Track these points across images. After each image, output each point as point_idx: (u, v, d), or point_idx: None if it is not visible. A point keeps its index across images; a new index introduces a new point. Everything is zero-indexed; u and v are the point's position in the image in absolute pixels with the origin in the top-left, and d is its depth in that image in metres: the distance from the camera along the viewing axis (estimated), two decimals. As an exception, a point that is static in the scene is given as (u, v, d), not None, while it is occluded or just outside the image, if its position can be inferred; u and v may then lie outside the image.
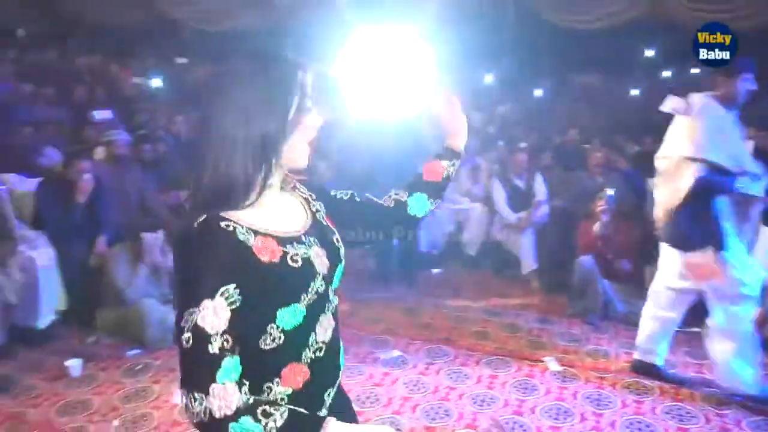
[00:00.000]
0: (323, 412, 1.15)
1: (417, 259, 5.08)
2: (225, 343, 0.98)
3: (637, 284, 4.13)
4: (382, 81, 4.56)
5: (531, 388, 3.16)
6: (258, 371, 1.07)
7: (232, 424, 0.96)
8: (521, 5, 7.93)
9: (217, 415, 0.95)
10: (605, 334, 3.89)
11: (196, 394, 0.96)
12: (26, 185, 4.19)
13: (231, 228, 1.02)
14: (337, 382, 1.20)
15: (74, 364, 3.27)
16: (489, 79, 8.48)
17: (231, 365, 0.98)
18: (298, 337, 1.10)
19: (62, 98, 6.25)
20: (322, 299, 1.12)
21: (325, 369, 1.15)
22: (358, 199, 1.35)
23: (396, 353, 3.59)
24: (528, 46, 8.20)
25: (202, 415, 0.95)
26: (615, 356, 3.56)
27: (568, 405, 2.99)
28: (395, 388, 3.17)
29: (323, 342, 1.14)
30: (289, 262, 1.07)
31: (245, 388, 1.00)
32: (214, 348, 0.97)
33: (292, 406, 1.02)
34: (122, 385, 3.19)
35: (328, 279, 1.14)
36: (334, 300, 1.18)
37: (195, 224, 1.02)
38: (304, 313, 1.09)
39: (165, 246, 3.84)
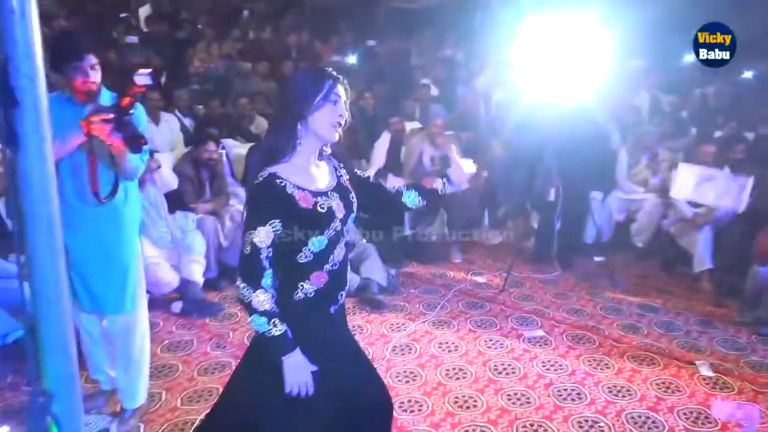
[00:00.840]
0: (335, 308, 1.78)
1: (578, 244, 5.06)
2: (268, 254, 1.62)
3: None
4: (557, 65, 4.62)
5: (674, 389, 3.13)
6: (295, 275, 1.69)
7: (254, 316, 1.61)
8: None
9: (253, 306, 1.61)
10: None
11: (247, 286, 1.61)
12: (240, 149, 5.04)
13: (282, 184, 1.63)
14: (346, 288, 1.81)
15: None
16: (690, 58, 7.74)
17: (270, 276, 1.63)
18: (322, 256, 1.70)
19: (274, 72, 7.16)
20: (338, 234, 1.72)
21: (338, 278, 1.76)
22: (371, 180, 1.95)
23: (540, 332, 3.74)
24: (741, 20, 7.31)
25: (245, 300, 1.62)
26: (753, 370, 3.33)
27: (710, 411, 2.92)
28: (533, 365, 3.35)
29: (338, 261, 1.74)
30: (318, 208, 1.67)
31: (274, 291, 1.65)
32: (262, 256, 1.61)
33: (286, 327, 1.64)
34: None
35: (343, 221, 1.73)
36: (346, 235, 1.77)
37: (260, 178, 1.63)
38: (326, 242, 1.69)
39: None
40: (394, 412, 1.98)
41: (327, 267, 1.71)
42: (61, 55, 2.31)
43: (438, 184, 2.01)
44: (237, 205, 4.49)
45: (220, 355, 3.42)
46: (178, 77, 6.68)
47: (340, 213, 1.71)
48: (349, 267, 1.83)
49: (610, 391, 3.09)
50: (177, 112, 5.55)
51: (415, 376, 3.21)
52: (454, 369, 3.29)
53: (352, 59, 8.21)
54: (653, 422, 2.84)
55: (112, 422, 2.67)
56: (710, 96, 7.00)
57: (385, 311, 4.01)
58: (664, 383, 3.18)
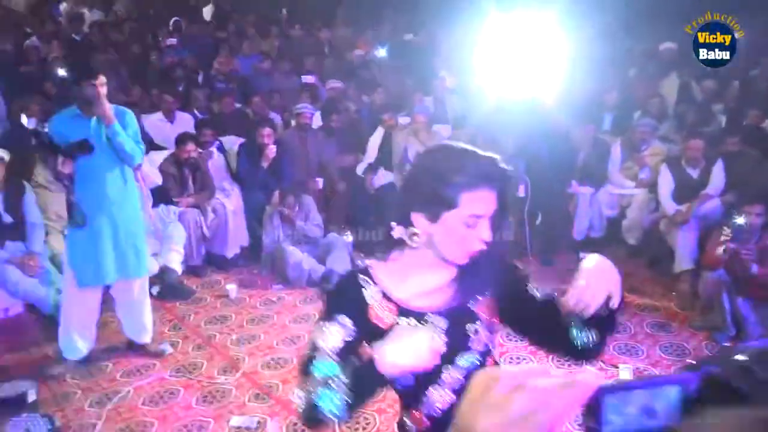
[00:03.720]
0: None
1: (560, 241, 5.01)
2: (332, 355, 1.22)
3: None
4: (520, 61, 4.66)
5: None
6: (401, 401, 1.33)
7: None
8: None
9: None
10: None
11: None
12: (235, 146, 5.45)
13: (364, 284, 1.26)
14: None
15: (231, 288, 4.36)
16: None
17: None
18: (411, 394, 1.28)
19: (299, 70, 7.49)
20: (430, 375, 1.19)
21: (444, 426, 1.22)
22: (546, 300, 1.29)
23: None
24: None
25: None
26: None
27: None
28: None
29: (439, 408, 1.26)
30: (384, 326, 1.19)
31: None
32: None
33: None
34: (257, 311, 4.16)
35: (443, 359, 1.16)
36: (459, 379, 1.25)
37: (347, 273, 1.34)
38: (411, 380, 1.23)
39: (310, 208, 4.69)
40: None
41: (422, 410, 1.28)
42: (76, 75, 2.94)
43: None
44: (222, 198, 4.91)
45: (173, 335, 3.84)
46: (207, 77, 7.21)
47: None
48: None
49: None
50: (195, 111, 6.07)
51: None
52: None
53: (381, 52, 8.36)
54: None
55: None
56: (754, 82, 6.50)
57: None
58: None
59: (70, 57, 7.09)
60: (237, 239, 4.96)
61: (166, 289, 4.33)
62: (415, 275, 1.26)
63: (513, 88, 4.50)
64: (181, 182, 4.67)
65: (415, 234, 1.20)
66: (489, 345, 1.29)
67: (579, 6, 5.54)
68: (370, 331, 1.21)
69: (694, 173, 4.63)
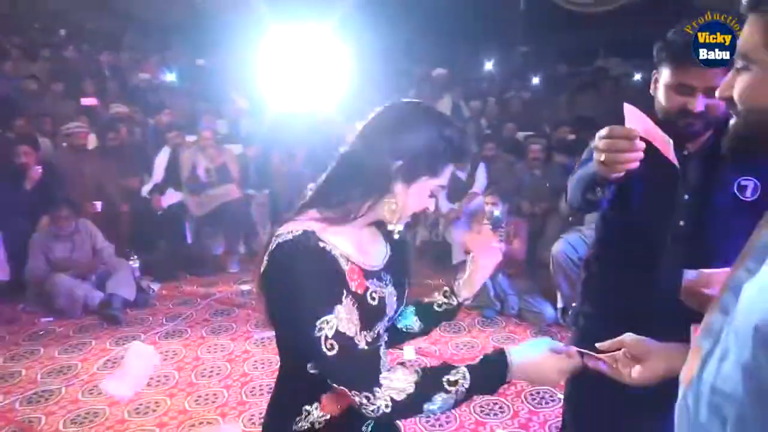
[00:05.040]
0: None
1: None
2: (367, 338, 1.07)
3: (534, 281, 4.09)
4: (303, 74, 4.74)
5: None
6: (300, 392, 1.15)
7: (426, 404, 1.03)
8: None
9: (399, 399, 1.02)
10: (492, 328, 3.88)
11: (368, 393, 1.01)
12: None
13: (328, 248, 1.06)
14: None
15: (-15, 326, 3.78)
16: (489, 66, 8.31)
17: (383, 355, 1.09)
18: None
19: (74, 92, 6.91)
20: (378, 338, 1.15)
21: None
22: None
23: (271, 332, 3.81)
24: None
25: (384, 408, 1.01)
26: (481, 348, 3.57)
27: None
28: (244, 365, 3.39)
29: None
30: (368, 297, 1.10)
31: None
32: (362, 345, 1.04)
33: (470, 364, 1.07)
34: (18, 348, 3.66)
35: (390, 320, 1.16)
36: (386, 337, 1.21)
37: (291, 235, 1.05)
38: (379, 340, 1.14)
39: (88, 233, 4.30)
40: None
41: None
42: None
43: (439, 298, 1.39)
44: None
45: None
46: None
47: (391, 309, 1.15)
48: None
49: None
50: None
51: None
52: (157, 376, 3.27)
53: (170, 76, 8.10)
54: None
55: None
56: (509, 102, 7.51)
57: (122, 326, 3.93)
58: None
59: None
60: (-5, 273, 4.33)
61: None
62: (363, 235, 1.17)
63: (299, 104, 4.64)
64: None
65: (394, 203, 1.12)
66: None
67: (358, 30, 5.97)
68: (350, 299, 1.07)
69: (462, 175, 5.17)
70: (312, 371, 1.11)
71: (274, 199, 5.51)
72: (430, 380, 1.04)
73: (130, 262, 4.51)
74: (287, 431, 1.15)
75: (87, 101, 6.34)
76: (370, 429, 1.21)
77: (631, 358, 1.10)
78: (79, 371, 3.34)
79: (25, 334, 3.83)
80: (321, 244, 1.05)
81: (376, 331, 1.12)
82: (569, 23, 7.94)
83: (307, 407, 1.14)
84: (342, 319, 1.01)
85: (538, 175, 4.90)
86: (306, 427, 1.14)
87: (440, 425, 2.79)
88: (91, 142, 5.40)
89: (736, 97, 0.82)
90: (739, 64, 0.81)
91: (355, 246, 1.12)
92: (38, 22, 9.95)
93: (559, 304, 3.89)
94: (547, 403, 2.95)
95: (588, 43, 8.20)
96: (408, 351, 3.52)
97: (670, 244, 1.54)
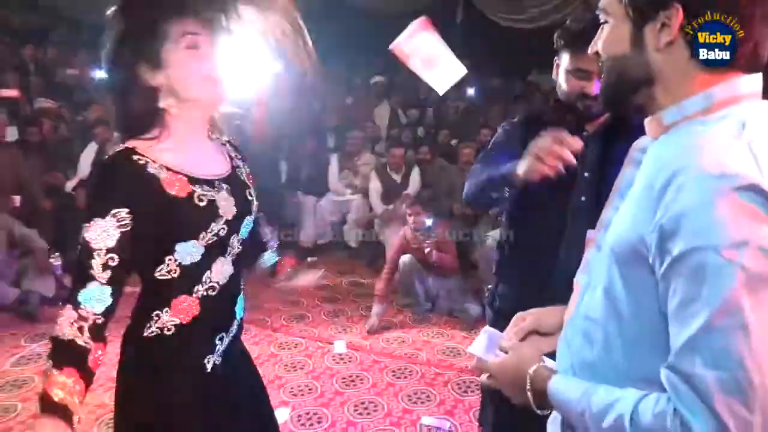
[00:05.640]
0: (214, 358, 1.24)
1: (287, 246, 5.20)
2: (110, 261, 1.09)
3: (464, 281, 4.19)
4: (230, 72, 4.71)
5: (299, 366, 3.27)
6: (150, 298, 1.18)
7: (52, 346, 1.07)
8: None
9: (54, 333, 1.07)
10: (423, 325, 3.93)
11: (66, 301, 1.09)
12: None
13: (142, 162, 1.13)
14: (231, 329, 1.28)
15: None
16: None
17: (101, 293, 1.09)
18: (193, 271, 1.18)
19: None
20: (222, 242, 1.21)
21: (217, 311, 1.24)
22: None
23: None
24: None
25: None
26: (411, 343, 3.62)
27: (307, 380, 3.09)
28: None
29: (217, 282, 1.22)
30: (195, 200, 1.16)
31: (102, 317, 1.10)
32: (96, 263, 1.08)
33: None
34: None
35: (232, 226, 1.22)
36: (238, 248, 1.26)
37: (109, 154, 1.15)
38: (203, 252, 1.18)
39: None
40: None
41: (199, 290, 1.20)
42: None
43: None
44: None
45: None
46: None
47: (227, 212, 1.21)
48: (241, 302, 1.32)
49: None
50: None
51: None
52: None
53: (100, 74, 7.83)
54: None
55: None
56: (446, 111, 7.70)
57: (40, 323, 3.75)
58: (297, 362, 3.31)
59: None
60: None
61: None
62: (187, 145, 1.22)
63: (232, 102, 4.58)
64: None
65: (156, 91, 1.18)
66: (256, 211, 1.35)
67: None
68: (160, 205, 1.13)
69: (398, 177, 5.27)
70: (160, 277, 1.17)
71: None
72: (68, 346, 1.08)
73: (51, 260, 4.32)
74: (138, 337, 1.19)
75: (6, 92, 6.05)
76: (225, 344, 1.27)
77: (542, 335, 1.13)
78: (-9, 367, 3.16)
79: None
80: (135, 157, 1.13)
81: (214, 232, 1.18)
82: (505, 39, 8.24)
83: (158, 311, 1.17)
84: (94, 230, 1.08)
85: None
86: (155, 333, 1.17)
87: (368, 413, 2.82)
88: (10, 135, 5.14)
89: (600, 50, 0.91)
90: (601, 19, 0.90)
91: (184, 158, 1.19)
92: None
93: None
94: (473, 391, 3.03)
95: (521, 59, 8.54)
96: (339, 345, 3.54)
97: (572, 219, 1.64)
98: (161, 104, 1.18)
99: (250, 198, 1.31)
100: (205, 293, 1.20)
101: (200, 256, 1.18)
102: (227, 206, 1.21)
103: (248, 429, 1.34)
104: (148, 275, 1.17)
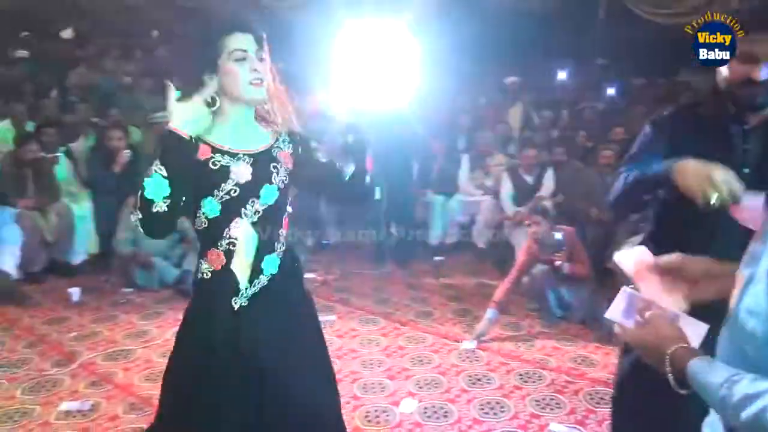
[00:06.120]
0: (240, 300, 1.51)
1: (416, 244, 5.29)
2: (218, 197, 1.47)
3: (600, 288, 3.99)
4: (376, 70, 4.86)
5: (425, 360, 3.32)
6: (199, 251, 1.53)
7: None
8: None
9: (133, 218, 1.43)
10: (552, 330, 3.81)
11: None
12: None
13: (180, 134, 1.41)
14: (258, 281, 1.52)
15: (74, 291, 4.10)
16: (563, 76, 8.19)
17: (160, 186, 1.38)
18: (216, 226, 1.47)
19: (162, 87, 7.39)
20: (236, 202, 1.47)
21: (241, 263, 1.50)
22: (324, 161, 1.73)
23: (332, 317, 3.91)
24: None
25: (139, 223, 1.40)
26: (540, 348, 3.53)
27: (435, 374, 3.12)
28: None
29: (236, 239, 1.48)
30: (210, 164, 1.46)
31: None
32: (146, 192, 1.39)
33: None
34: (103, 312, 3.95)
35: (247, 189, 1.47)
36: (254, 210, 1.50)
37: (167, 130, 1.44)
38: (220, 208, 1.46)
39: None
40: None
41: (222, 244, 1.48)
42: None
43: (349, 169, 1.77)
44: (69, 202, 4.64)
45: (1, 335, 3.53)
46: (62, 91, 6.91)
47: (240, 177, 1.47)
48: (271, 257, 1.55)
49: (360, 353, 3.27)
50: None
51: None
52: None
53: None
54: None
55: None
56: (582, 112, 7.39)
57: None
58: (422, 355, 3.37)
59: None
60: (84, 245, 4.68)
61: (-2, 291, 3.98)
62: (233, 127, 1.52)
63: (372, 101, 4.74)
64: (20, 183, 4.36)
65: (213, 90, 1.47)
66: (284, 183, 1.58)
67: (432, 33, 6.07)
68: (188, 166, 1.43)
69: (530, 179, 5.16)
70: (198, 228, 1.50)
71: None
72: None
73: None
74: (194, 280, 1.53)
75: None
76: (250, 292, 1.52)
77: (683, 278, 1.15)
78: (154, 336, 3.57)
79: (108, 301, 4.12)
80: (175, 129, 1.39)
81: (226, 192, 1.46)
82: (649, 35, 7.72)
83: (201, 260, 1.50)
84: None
85: (608, 182, 4.79)
86: (200, 276, 1.49)
87: (494, 413, 2.80)
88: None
89: None
90: None
91: (226, 136, 1.50)
92: (135, 27, 10.76)
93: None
94: (606, 403, 2.88)
95: (667, 56, 7.95)
96: (467, 343, 3.53)
97: (728, 218, 1.51)
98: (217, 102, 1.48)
99: (273, 172, 1.54)
100: (227, 248, 1.48)
101: (219, 212, 1.46)
102: (240, 172, 1.48)
103: (275, 361, 1.53)
104: (194, 227, 1.50)
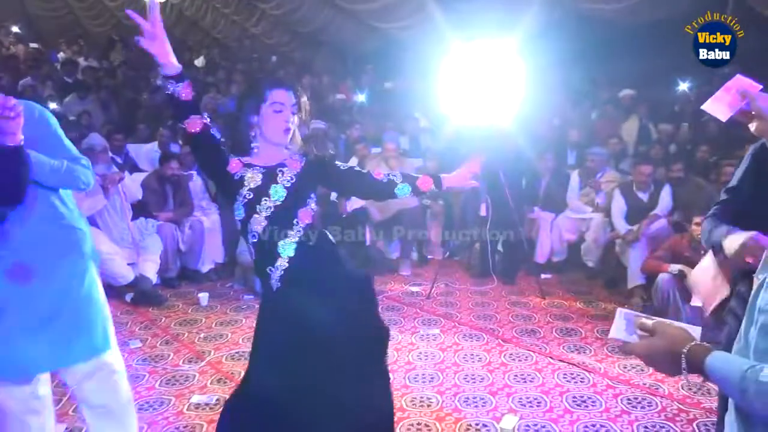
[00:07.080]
0: (273, 282, 1.91)
1: (522, 260, 5.25)
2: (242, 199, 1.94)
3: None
4: (479, 91, 4.98)
5: (528, 378, 3.32)
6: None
7: None
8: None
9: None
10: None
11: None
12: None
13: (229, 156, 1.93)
14: (280, 264, 1.89)
15: (203, 296, 4.53)
16: (684, 86, 7.70)
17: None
18: (244, 223, 1.92)
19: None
20: (251, 203, 1.89)
21: (264, 251, 1.91)
22: (354, 170, 2.12)
23: (436, 330, 4.01)
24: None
25: None
26: (652, 372, 3.39)
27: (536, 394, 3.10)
28: (408, 354, 3.64)
29: (257, 232, 1.89)
30: (234, 175, 1.91)
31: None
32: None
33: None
34: (227, 316, 4.34)
35: (259, 191, 1.89)
36: (266, 209, 1.88)
37: None
38: (242, 209, 1.90)
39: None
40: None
41: (249, 237, 1.92)
42: None
43: (430, 184, 2.13)
44: (200, 216, 5.14)
45: (143, 333, 3.99)
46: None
47: (252, 183, 1.88)
48: (286, 247, 1.89)
49: (464, 372, 3.33)
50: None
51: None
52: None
53: (362, 97, 8.85)
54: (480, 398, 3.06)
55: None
56: (705, 126, 6.95)
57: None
58: (526, 375, 3.37)
59: (62, 95, 7.61)
60: (211, 255, 5.15)
61: (140, 295, 4.49)
62: (265, 154, 1.96)
63: (476, 118, 4.80)
64: (162, 197, 4.91)
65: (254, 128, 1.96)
66: (293, 182, 1.94)
67: (539, 47, 6.03)
68: (229, 174, 1.92)
69: (644, 196, 4.95)
70: (237, 219, 1.94)
71: (449, 209, 5.76)
72: None
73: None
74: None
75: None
76: (277, 273, 1.90)
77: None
78: (271, 341, 3.86)
79: (231, 306, 4.52)
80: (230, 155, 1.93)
81: (243, 196, 1.88)
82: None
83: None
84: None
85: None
86: (248, 260, 1.92)
87: (585, 406, 2.76)
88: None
89: None
90: None
91: (258, 159, 1.94)
92: (257, 52, 11.63)
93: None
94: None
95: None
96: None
97: None
98: (254, 141, 1.95)
99: (281, 177, 1.92)
100: (254, 239, 1.90)
101: (244, 213, 1.89)
102: (252, 178, 1.89)
103: (303, 339, 1.86)
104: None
